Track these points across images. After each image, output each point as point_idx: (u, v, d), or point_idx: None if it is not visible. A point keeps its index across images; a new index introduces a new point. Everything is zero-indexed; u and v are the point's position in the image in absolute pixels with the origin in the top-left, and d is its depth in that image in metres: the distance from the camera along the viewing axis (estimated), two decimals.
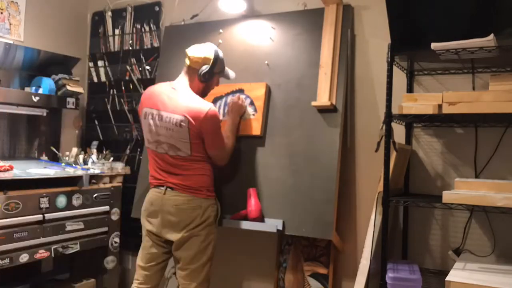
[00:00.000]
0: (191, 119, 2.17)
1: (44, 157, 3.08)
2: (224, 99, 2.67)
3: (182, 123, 2.18)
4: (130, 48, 3.35)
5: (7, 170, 2.41)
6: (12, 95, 2.83)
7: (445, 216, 2.35)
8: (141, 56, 3.30)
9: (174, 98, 2.24)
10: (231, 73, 2.46)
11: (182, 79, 2.32)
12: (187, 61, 2.30)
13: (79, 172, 2.74)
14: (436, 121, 2.31)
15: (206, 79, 2.29)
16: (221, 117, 2.65)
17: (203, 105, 2.20)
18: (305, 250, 2.59)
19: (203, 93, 2.35)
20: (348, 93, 2.54)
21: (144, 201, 2.39)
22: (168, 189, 2.25)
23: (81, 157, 3.01)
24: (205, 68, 2.27)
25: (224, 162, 2.40)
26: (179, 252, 2.26)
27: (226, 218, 2.47)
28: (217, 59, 2.29)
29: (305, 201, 2.34)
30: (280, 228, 2.34)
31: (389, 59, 2.11)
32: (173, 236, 2.24)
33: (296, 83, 2.54)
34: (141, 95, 2.40)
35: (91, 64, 3.53)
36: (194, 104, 2.21)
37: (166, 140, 2.23)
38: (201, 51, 2.29)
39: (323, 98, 2.40)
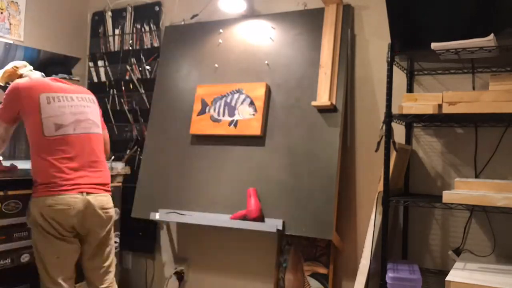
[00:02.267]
0: (95, 97, 2.36)
1: None
2: (224, 99, 2.67)
3: (94, 100, 2.33)
4: (130, 48, 3.35)
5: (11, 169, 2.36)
6: None
7: (445, 216, 2.35)
8: (141, 56, 3.30)
9: (68, 84, 2.29)
10: None
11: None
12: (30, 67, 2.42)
13: None
14: (436, 121, 2.31)
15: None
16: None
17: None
18: (305, 250, 2.59)
19: None
20: (348, 93, 2.54)
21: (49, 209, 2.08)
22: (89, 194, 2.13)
23: None
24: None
25: (108, 150, 2.45)
26: (96, 253, 2.25)
27: (225, 217, 2.48)
28: None
29: (305, 201, 2.34)
30: (280, 228, 2.34)
31: (389, 59, 2.11)
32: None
33: (296, 83, 2.54)
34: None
35: (91, 64, 3.53)
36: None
37: (87, 117, 2.22)
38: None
39: (323, 98, 2.40)
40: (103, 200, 2.18)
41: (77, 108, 2.20)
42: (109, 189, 2.26)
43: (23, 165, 2.70)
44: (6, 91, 2.16)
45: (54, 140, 2.09)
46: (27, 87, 2.13)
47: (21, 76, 2.34)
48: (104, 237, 2.22)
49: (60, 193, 2.04)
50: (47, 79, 2.25)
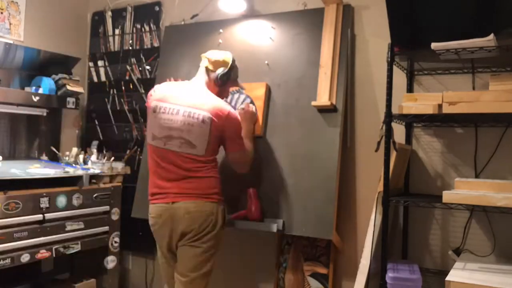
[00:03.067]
0: (214, 118, 2.10)
1: (44, 157, 3.08)
2: (224, 99, 2.67)
3: (205, 120, 2.10)
4: (130, 48, 3.35)
5: None
6: (12, 95, 2.83)
7: (445, 216, 2.35)
8: (141, 56, 3.30)
9: (196, 95, 2.17)
10: (242, 85, 2.45)
11: (200, 80, 2.25)
12: (206, 62, 2.25)
13: (79, 172, 2.74)
14: (436, 121, 2.31)
15: (223, 82, 2.24)
16: None
17: (226, 105, 2.18)
18: (305, 250, 2.59)
19: (219, 95, 2.28)
20: (348, 93, 2.54)
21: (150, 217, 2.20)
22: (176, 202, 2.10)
23: (81, 157, 3.01)
24: (222, 70, 2.22)
25: (246, 168, 2.32)
26: (182, 257, 2.15)
27: (226, 218, 2.47)
28: (234, 64, 2.29)
29: (305, 201, 2.34)
30: (280, 228, 2.34)
31: (389, 59, 2.11)
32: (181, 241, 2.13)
33: (296, 83, 2.54)
34: (148, 91, 2.29)
35: (91, 64, 3.53)
36: (217, 102, 2.16)
37: (181, 135, 2.10)
38: (220, 54, 2.27)
39: (323, 98, 2.40)
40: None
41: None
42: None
43: (22, 164, 2.70)
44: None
45: None
46: None
47: None
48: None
49: None
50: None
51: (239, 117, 2.24)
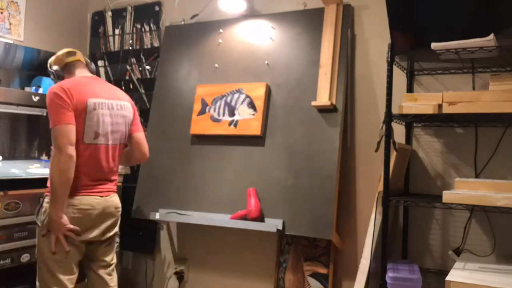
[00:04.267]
0: (132, 103, 2.26)
1: (44, 157, 3.08)
2: (224, 99, 2.67)
3: (129, 108, 2.23)
4: (130, 48, 3.35)
5: None
6: (12, 95, 2.83)
7: (445, 216, 2.35)
8: (141, 56, 3.30)
9: (108, 86, 2.20)
10: None
11: (89, 74, 2.24)
12: (80, 57, 2.24)
13: None
14: (436, 121, 2.31)
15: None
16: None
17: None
18: (305, 250, 2.59)
19: None
20: (348, 93, 2.54)
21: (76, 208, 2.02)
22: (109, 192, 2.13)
23: None
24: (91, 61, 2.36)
25: (147, 154, 2.33)
26: (105, 251, 2.17)
27: (225, 217, 2.48)
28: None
29: (305, 201, 2.34)
30: (280, 228, 2.34)
31: (389, 59, 2.11)
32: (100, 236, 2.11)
33: (296, 83, 2.54)
34: (62, 92, 1.98)
35: None
36: (121, 91, 2.29)
37: (118, 128, 2.15)
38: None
39: (323, 98, 2.40)
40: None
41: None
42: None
43: (22, 164, 2.71)
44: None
45: None
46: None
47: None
48: None
49: None
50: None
51: None
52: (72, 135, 1.94)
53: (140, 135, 2.29)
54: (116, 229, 2.20)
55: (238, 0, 2.80)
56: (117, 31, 3.43)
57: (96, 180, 2.07)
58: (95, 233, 2.05)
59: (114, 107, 2.14)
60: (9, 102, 2.82)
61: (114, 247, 2.24)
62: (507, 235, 2.21)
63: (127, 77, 3.35)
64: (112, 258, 2.21)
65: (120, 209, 2.19)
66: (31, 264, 2.45)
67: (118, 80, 3.38)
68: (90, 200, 2.03)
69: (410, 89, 2.42)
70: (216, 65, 2.78)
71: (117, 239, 2.94)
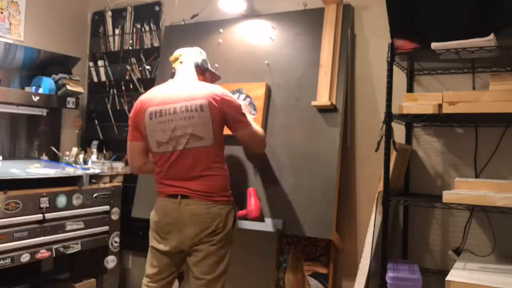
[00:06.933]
0: (212, 100, 2.02)
1: (44, 157, 3.08)
2: None
3: (202, 107, 2.02)
4: (130, 48, 3.35)
5: None
6: (12, 94, 2.83)
7: (445, 216, 2.35)
8: (141, 56, 3.30)
9: (185, 88, 2.10)
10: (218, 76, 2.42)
11: (184, 74, 2.20)
12: (183, 58, 2.23)
13: (79, 172, 2.74)
14: (436, 121, 2.31)
15: (206, 66, 2.27)
16: None
17: (218, 88, 2.11)
18: (305, 250, 2.59)
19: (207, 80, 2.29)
20: (348, 92, 2.54)
21: (155, 213, 2.13)
22: (183, 197, 2.03)
23: (81, 156, 3.01)
24: (200, 57, 2.27)
25: (261, 146, 2.30)
26: (195, 262, 2.06)
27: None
28: (202, 52, 2.32)
29: (305, 201, 2.34)
30: (280, 228, 2.34)
31: (389, 59, 2.11)
32: (189, 245, 2.05)
33: (296, 83, 2.54)
34: (139, 96, 2.20)
35: (91, 63, 3.53)
36: (210, 88, 2.09)
37: (185, 131, 2.02)
38: (190, 48, 2.30)
39: (323, 97, 2.40)
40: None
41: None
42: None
43: (22, 164, 2.71)
44: None
45: None
46: None
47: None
48: None
49: None
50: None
51: (234, 97, 2.16)
52: None
53: (239, 134, 2.15)
54: None
55: (238, 0, 2.80)
56: (117, 31, 3.43)
57: None
58: None
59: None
60: (9, 102, 2.83)
61: None
62: (507, 235, 2.21)
63: (127, 77, 3.35)
64: None
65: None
66: (31, 264, 2.45)
67: (118, 80, 3.38)
68: None
69: (410, 89, 2.42)
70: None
71: (117, 239, 2.94)
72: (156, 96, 2.12)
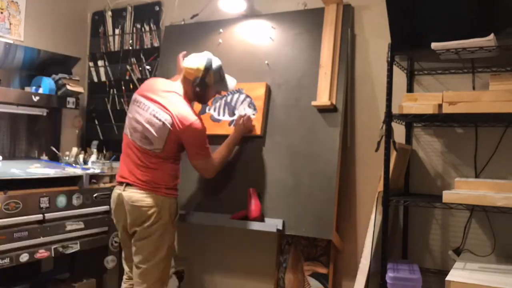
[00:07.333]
0: (174, 124, 2.15)
1: (44, 157, 3.08)
2: (223, 99, 2.67)
3: (165, 124, 2.16)
4: (130, 47, 3.35)
5: None
6: (12, 94, 2.83)
7: (445, 216, 2.35)
8: (141, 56, 3.30)
9: (168, 98, 2.22)
10: (231, 84, 2.36)
11: (178, 85, 2.28)
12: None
13: (79, 172, 2.74)
14: (436, 121, 2.31)
15: (200, 90, 2.23)
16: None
17: (191, 116, 2.18)
18: (305, 250, 2.59)
19: (200, 100, 2.35)
20: (348, 92, 2.54)
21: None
22: (128, 185, 2.24)
23: (81, 156, 3.01)
24: (197, 79, 2.21)
25: (209, 175, 2.35)
26: (134, 249, 2.25)
27: (225, 217, 2.48)
28: (208, 70, 2.20)
29: (305, 201, 2.34)
30: (280, 228, 2.34)
31: (389, 59, 2.11)
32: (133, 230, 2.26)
33: (296, 83, 2.54)
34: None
35: (91, 63, 3.53)
36: (183, 110, 2.18)
37: (142, 131, 2.21)
38: (194, 62, 2.22)
39: (323, 97, 2.40)
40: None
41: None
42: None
43: (22, 164, 2.71)
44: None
45: None
46: None
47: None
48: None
49: None
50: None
51: (203, 129, 2.21)
52: None
53: (192, 162, 2.29)
54: None
55: (238, 0, 2.80)
56: (117, 31, 3.43)
57: None
58: None
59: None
60: (9, 102, 2.82)
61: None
62: (507, 235, 2.21)
63: (127, 77, 3.35)
64: None
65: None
66: (31, 264, 2.45)
67: (118, 80, 3.38)
68: None
69: (410, 89, 2.42)
70: None
71: (117, 239, 2.94)
72: (149, 88, 2.34)
